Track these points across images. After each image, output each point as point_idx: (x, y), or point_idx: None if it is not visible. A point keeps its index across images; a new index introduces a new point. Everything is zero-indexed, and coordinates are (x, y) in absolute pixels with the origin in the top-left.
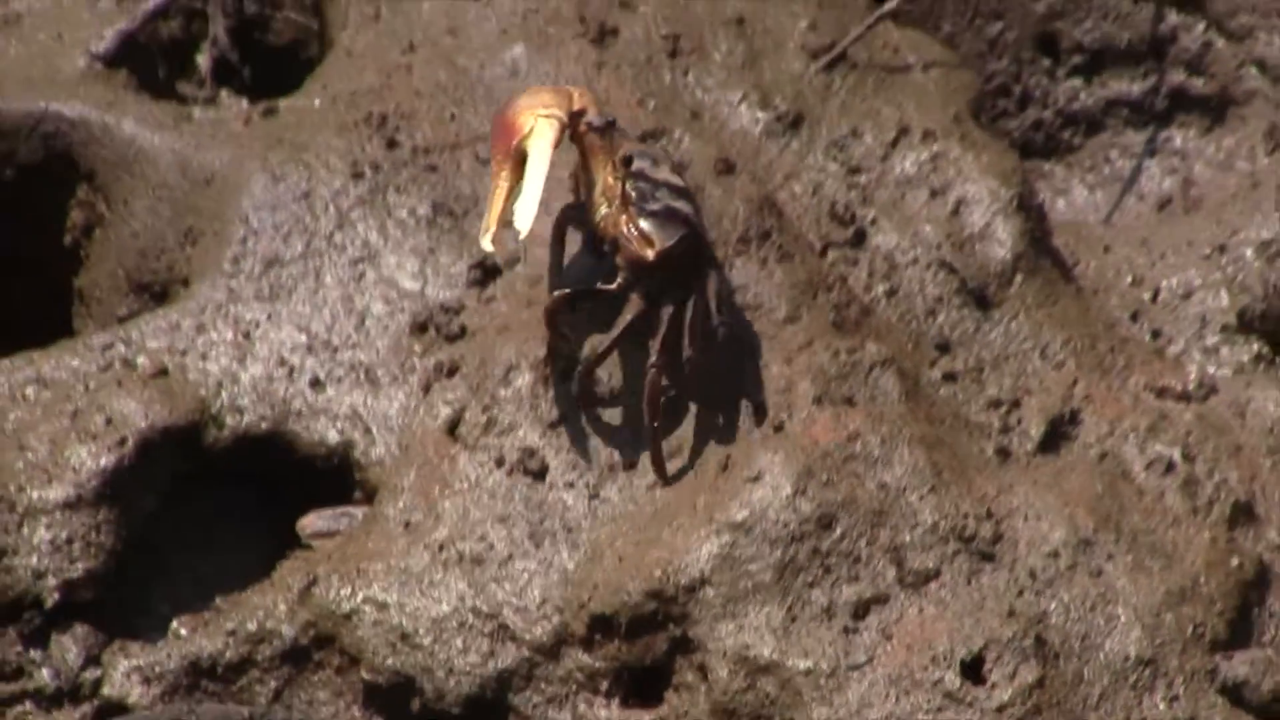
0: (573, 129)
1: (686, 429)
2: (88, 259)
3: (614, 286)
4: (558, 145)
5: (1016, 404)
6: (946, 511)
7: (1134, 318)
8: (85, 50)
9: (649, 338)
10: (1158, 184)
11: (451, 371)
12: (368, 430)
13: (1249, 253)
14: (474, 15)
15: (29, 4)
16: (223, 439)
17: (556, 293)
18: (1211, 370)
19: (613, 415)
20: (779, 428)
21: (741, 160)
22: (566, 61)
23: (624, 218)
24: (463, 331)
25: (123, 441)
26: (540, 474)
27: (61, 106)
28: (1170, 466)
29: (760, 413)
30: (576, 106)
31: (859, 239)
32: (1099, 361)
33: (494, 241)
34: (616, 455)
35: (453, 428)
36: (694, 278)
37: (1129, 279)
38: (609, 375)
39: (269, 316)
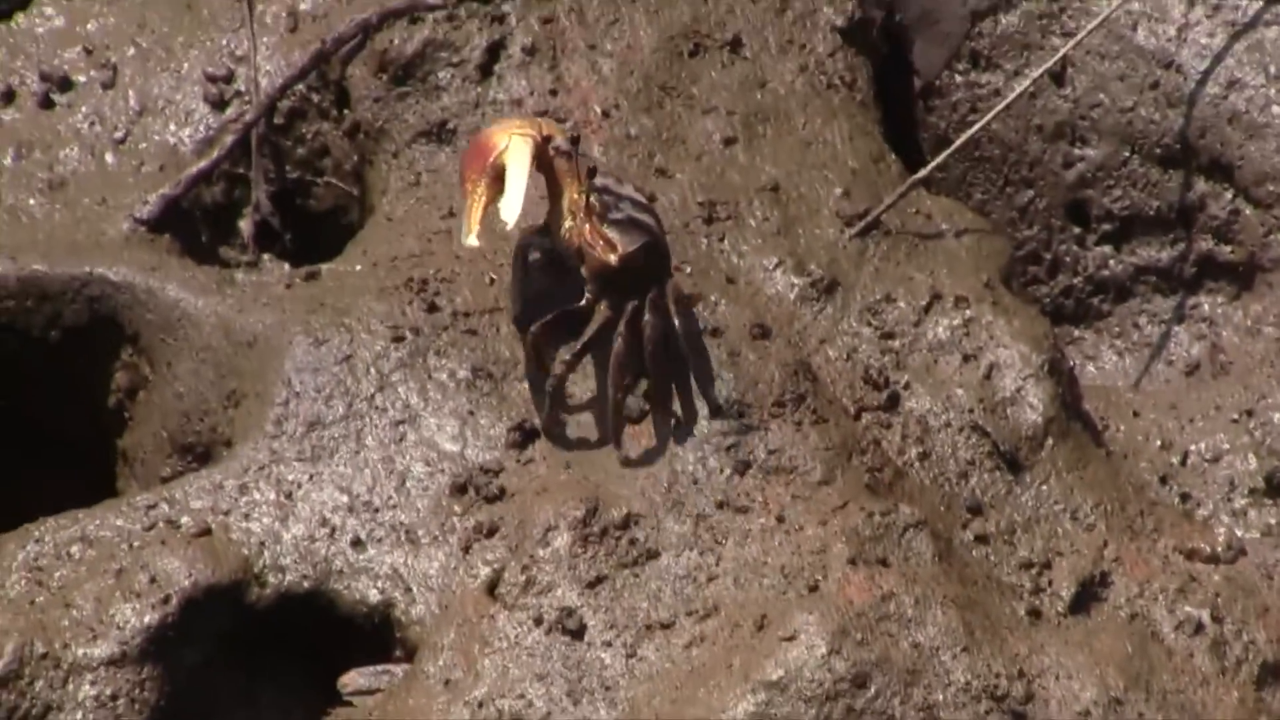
0: (540, 153)
1: (722, 590)
2: (132, 420)
3: (583, 302)
4: (534, 160)
5: (1048, 565)
6: (979, 671)
7: (1163, 481)
8: (129, 214)
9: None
10: (1186, 350)
11: (491, 532)
12: (408, 589)
13: (1277, 417)
14: None
15: (74, 168)
16: (265, 597)
17: (536, 325)
18: (1240, 533)
19: (649, 574)
20: (814, 588)
21: (777, 325)
22: None
23: (588, 227)
24: (502, 493)
25: (167, 599)
26: (578, 633)
27: (106, 270)
28: (1199, 627)
29: (795, 573)
30: (545, 133)
31: (892, 403)
32: (1129, 524)
33: (479, 237)
34: (653, 614)
35: (492, 587)
36: (655, 285)
37: (1158, 443)
38: (647, 534)
39: (311, 477)
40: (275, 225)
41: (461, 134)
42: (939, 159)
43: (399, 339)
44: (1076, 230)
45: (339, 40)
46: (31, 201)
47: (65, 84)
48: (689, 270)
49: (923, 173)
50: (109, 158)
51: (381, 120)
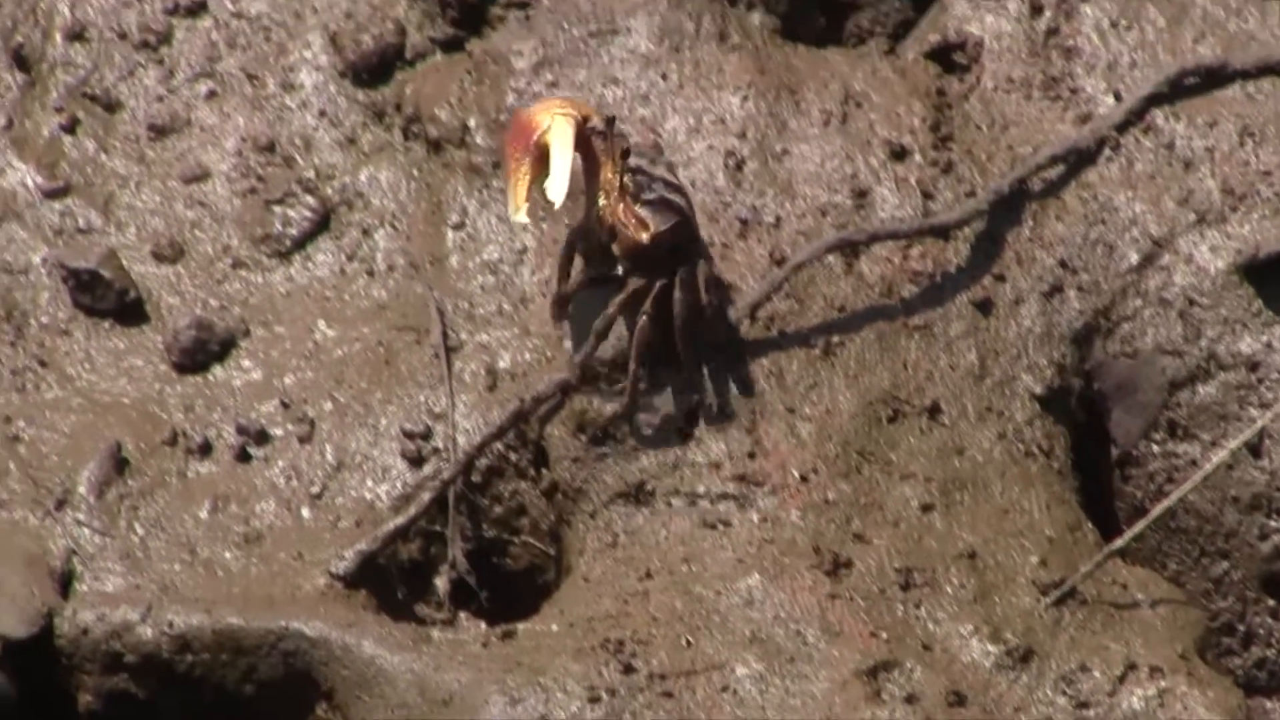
0: (579, 133)
1: None
2: None
3: (615, 273)
4: (576, 139)
5: None
6: None
7: None
8: (325, 569)
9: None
10: None
11: None
12: None
13: None
14: (710, 544)
15: (270, 522)
16: None
17: (567, 285)
18: None
19: None
20: None
21: (972, 693)
22: (800, 591)
23: (621, 206)
24: None
25: None
26: None
27: (302, 625)
28: None
29: None
30: (583, 113)
31: None
32: None
33: (528, 214)
34: None
35: None
36: (685, 265)
37: None
38: None
39: None
40: (471, 583)
41: (660, 496)
42: (1135, 529)
43: (595, 699)
44: (1271, 602)
45: (538, 399)
46: (227, 555)
47: (262, 437)
48: (885, 637)
49: (1119, 543)
50: (305, 512)
51: (579, 480)
